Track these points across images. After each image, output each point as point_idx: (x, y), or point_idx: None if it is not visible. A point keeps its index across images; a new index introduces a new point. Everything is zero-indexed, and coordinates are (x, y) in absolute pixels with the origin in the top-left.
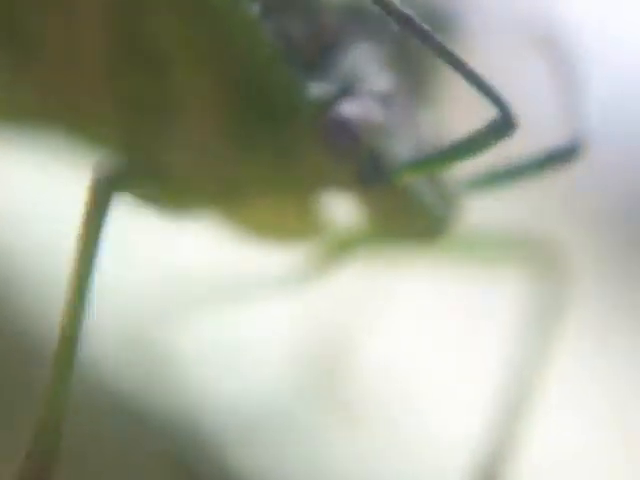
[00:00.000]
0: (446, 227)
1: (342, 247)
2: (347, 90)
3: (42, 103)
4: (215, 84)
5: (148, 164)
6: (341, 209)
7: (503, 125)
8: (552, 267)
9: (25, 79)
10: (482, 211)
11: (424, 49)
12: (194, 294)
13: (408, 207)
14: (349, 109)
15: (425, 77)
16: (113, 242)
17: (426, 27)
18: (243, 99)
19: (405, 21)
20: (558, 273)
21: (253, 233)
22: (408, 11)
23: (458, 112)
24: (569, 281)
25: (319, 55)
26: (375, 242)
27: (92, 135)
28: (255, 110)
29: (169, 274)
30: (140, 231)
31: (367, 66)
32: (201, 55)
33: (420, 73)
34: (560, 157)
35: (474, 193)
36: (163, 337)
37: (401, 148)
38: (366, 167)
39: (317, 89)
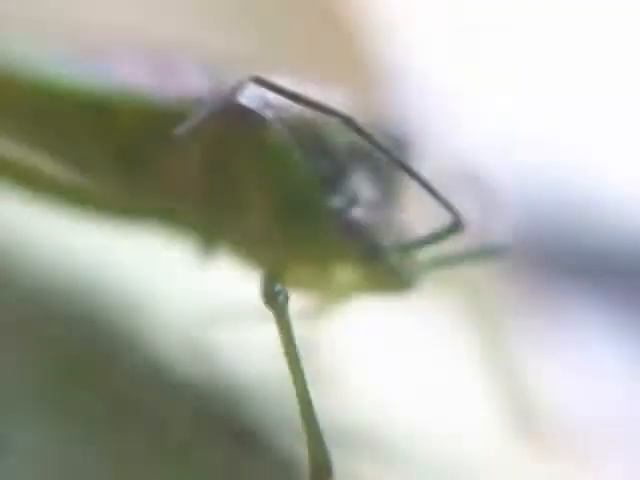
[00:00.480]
0: (410, 288)
1: (330, 299)
2: (352, 201)
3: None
4: (272, 201)
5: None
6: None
7: (455, 226)
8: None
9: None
10: None
11: (393, 168)
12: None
13: (390, 274)
14: (357, 216)
15: (395, 188)
16: None
17: (389, 150)
18: (290, 212)
19: (375, 144)
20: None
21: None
22: (378, 137)
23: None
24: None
25: (333, 178)
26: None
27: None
28: (297, 217)
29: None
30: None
31: (362, 183)
32: (267, 189)
33: (392, 186)
34: (488, 253)
35: (428, 268)
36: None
37: (388, 237)
38: (369, 250)
39: (335, 202)
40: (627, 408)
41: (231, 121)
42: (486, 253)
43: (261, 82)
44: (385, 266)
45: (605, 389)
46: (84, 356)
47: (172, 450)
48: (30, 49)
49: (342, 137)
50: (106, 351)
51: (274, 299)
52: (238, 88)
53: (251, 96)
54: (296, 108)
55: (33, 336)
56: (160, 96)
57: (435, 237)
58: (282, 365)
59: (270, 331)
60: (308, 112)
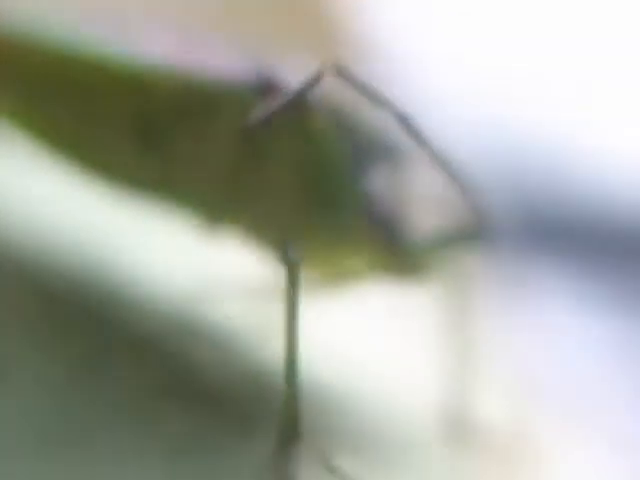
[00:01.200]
0: (418, 272)
1: (339, 277)
2: (376, 190)
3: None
4: (303, 183)
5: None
6: None
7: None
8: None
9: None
10: None
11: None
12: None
13: (405, 259)
14: (382, 203)
15: (405, 182)
16: None
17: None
18: (322, 194)
19: (405, 122)
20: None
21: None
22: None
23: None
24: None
25: (361, 165)
26: (360, 275)
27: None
28: (328, 198)
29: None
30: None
31: (382, 175)
32: (301, 170)
33: (403, 180)
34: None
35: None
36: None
37: (404, 227)
38: (390, 237)
39: (363, 188)
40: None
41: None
42: (473, 235)
43: (341, 72)
44: (402, 252)
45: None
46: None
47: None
48: (61, 21)
49: (368, 128)
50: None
51: (287, 256)
52: (318, 77)
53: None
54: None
55: (32, 293)
56: (195, 74)
57: (457, 236)
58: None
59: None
60: (338, 99)
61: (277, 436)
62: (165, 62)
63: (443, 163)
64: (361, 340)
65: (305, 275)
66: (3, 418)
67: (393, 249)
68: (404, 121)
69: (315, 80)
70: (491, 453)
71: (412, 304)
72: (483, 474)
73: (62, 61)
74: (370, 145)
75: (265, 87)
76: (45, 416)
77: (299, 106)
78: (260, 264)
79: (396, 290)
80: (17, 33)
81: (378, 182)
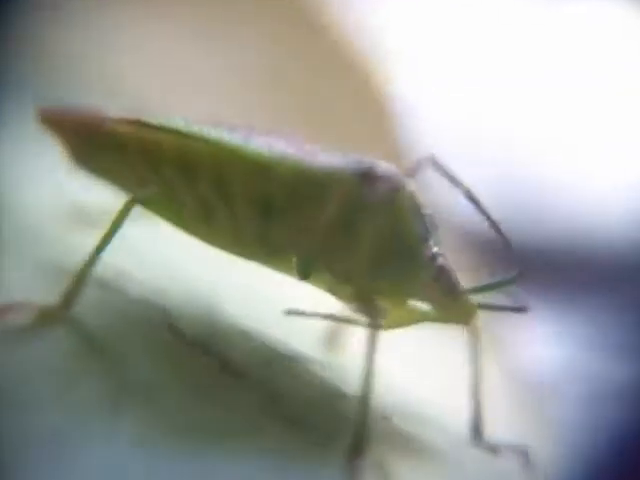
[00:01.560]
0: (471, 320)
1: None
2: (437, 253)
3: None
4: (383, 250)
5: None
6: None
7: (513, 278)
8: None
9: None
10: None
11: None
12: None
13: (461, 308)
14: (444, 264)
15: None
16: None
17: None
18: (398, 260)
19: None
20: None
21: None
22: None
23: None
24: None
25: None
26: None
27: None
28: (402, 263)
29: None
30: None
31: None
32: (384, 239)
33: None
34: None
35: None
36: None
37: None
38: (451, 289)
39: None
40: None
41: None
42: (510, 281)
43: (437, 165)
44: (459, 302)
45: None
46: None
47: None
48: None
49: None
50: None
51: (371, 309)
52: (419, 166)
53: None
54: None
55: None
56: (312, 165)
57: (496, 284)
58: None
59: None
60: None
61: (347, 451)
62: (282, 155)
63: (490, 219)
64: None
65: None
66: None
67: (452, 298)
68: (473, 200)
69: (415, 170)
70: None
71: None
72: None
73: (201, 152)
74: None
75: (366, 175)
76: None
77: (396, 189)
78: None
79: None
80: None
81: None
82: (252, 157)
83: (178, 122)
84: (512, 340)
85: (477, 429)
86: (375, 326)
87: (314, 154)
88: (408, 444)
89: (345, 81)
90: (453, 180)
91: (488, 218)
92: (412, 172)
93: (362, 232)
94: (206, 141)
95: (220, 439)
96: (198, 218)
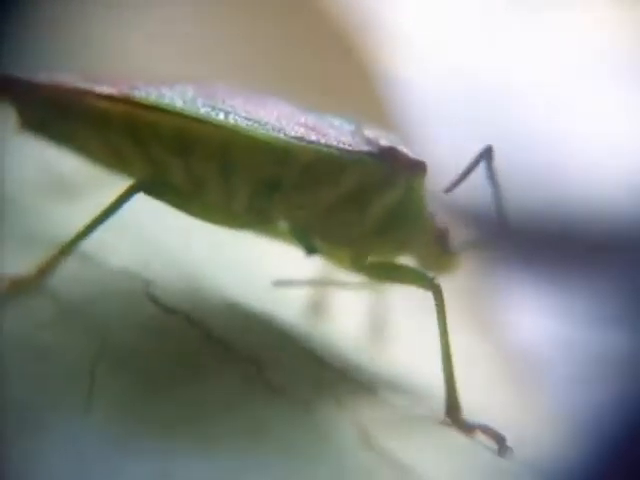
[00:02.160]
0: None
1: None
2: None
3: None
4: (400, 221)
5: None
6: None
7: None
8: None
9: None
10: None
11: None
12: None
13: (452, 261)
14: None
15: None
16: None
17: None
18: (412, 227)
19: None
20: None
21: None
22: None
23: None
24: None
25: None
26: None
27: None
28: (415, 229)
29: None
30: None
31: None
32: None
33: None
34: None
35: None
36: None
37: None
38: (444, 247)
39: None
40: None
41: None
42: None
43: (490, 156)
44: (451, 256)
45: None
46: None
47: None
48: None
49: None
50: None
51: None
52: (479, 160)
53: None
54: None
55: None
56: (334, 150)
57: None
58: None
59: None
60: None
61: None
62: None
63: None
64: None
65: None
66: None
67: (444, 252)
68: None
69: (477, 162)
70: None
71: None
72: None
73: (207, 135)
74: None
75: (387, 155)
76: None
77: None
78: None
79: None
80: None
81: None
82: (268, 141)
83: (175, 100)
84: (506, 317)
85: (451, 406)
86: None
87: (323, 131)
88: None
89: (341, 58)
90: (492, 176)
91: (500, 207)
92: (475, 164)
93: (377, 205)
94: (214, 125)
95: (203, 409)
96: (190, 195)
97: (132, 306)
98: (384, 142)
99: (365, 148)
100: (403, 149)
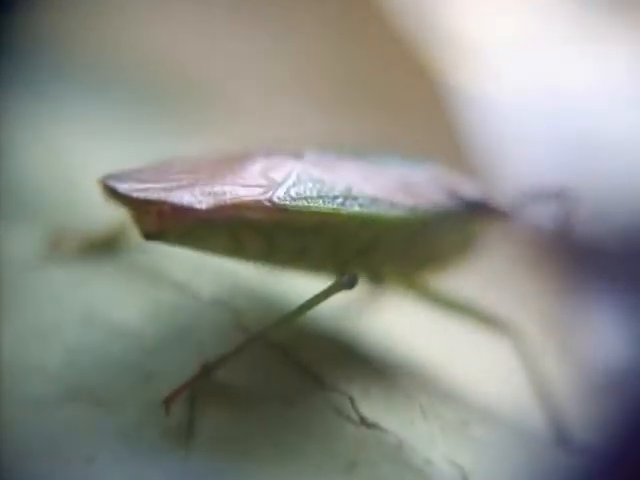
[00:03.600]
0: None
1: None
2: None
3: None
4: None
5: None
6: None
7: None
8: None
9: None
10: None
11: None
12: None
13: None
14: None
15: None
16: None
17: None
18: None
19: None
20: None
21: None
22: None
23: None
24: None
25: None
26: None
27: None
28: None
29: None
30: None
31: None
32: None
33: None
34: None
35: None
36: None
37: None
38: None
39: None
40: None
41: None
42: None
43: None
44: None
45: None
46: None
47: None
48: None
49: None
50: None
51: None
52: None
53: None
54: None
55: None
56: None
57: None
58: None
59: None
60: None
61: None
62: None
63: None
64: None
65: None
66: None
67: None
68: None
69: (548, 201)
70: None
71: None
72: None
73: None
74: None
75: (480, 208)
76: None
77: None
78: None
79: None
80: None
81: None
82: (396, 221)
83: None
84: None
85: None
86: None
87: (413, 190)
88: None
89: (409, 72)
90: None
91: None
92: (545, 200)
93: (451, 239)
94: (360, 217)
95: (298, 443)
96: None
97: (225, 335)
98: (470, 193)
99: (455, 204)
100: (491, 202)
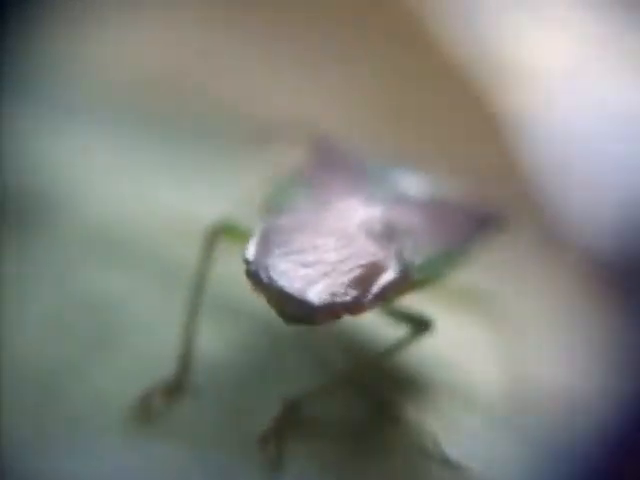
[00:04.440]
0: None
1: None
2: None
3: None
4: None
5: None
6: None
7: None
8: None
9: None
10: None
11: None
12: None
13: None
14: None
15: None
16: None
17: None
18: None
19: None
20: None
21: None
22: None
23: None
24: None
25: None
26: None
27: None
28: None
29: None
30: None
31: None
32: None
33: None
34: None
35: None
36: None
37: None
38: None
39: None
40: None
41: None
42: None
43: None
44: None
45: None
46: None
47: None
48: None
49: None
50: None
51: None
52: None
53: None
54: None
55: None
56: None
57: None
58: None
59: None
60: None
61: None
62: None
63: None
64: None
65: None
66: None
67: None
68: None
69: None
70: None
71: None
72: None
73: None
74: None
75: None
76: None
77: None
78: None
79: None
80: None
81: None
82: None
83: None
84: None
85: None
86: None
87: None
88: None
89: (459, 98)
90: None
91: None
92: None
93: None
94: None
95: None
96: None
97: (305, 371)
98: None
99: (482, 227)
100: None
